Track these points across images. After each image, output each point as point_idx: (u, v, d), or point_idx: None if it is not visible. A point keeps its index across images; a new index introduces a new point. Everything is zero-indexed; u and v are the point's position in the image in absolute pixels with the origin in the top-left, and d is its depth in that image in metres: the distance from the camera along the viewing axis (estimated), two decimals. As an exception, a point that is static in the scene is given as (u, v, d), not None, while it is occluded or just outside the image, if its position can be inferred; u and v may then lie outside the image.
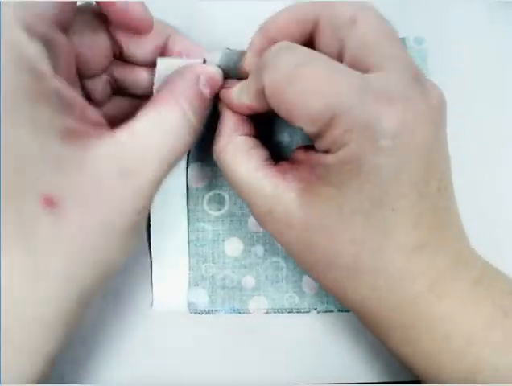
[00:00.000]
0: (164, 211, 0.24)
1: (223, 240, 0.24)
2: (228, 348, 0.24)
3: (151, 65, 0.20)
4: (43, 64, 0.15)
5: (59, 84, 0.16)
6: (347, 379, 0.24)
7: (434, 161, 0.16)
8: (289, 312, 0.24)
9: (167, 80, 0.19)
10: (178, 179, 0.24)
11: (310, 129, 0.17)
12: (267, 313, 0.24)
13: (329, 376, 0.24)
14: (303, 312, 0.24)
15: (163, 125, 0.17)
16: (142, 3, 0.18)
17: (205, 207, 0.24)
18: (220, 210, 0.24)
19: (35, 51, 0.15)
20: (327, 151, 0.17)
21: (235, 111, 0.20)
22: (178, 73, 0.19)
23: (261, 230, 0.24)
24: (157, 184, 0.18)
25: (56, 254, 0.15)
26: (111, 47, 0.20)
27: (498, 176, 0.24)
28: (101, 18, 0.19)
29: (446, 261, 0.17)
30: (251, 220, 0.24)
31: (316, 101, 0.16)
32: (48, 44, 0.16)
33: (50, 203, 0.15)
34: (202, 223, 0.24)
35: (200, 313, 0.24)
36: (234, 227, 0.24)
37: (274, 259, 0.24)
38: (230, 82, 0.20)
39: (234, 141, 0.19)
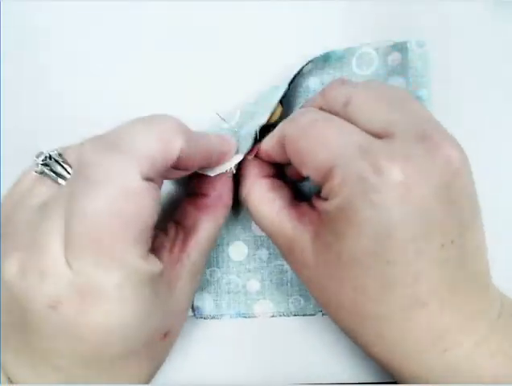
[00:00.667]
0: None
1: (227, 244, 0.24)
2: (228, 348, 0.24)
3: None
4: (145, 198, 0.16)
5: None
6: (349, 379, 0.24)
7: (436, 219, 0.16)
8: (294, 315, 0.24)
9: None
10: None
11: (315, 177, 0.18)
12: (273, 316, 0.24)
13: (330, 377, 0.24)
14: (309, 315, 0.24)
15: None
16: None
17: None
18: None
19: (140, 187, 0.16)
20: (326, 199, 0.18)
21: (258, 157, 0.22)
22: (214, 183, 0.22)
23: (264, 233, 0.24)
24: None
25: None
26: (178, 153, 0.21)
27: (499, 175, 0.24)
28: None
29: (454, 317, 0.17)
30: (254, 224, 0.24)
31: (321, 153, 0.17)
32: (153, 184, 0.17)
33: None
34: None
35: (206, 317, 0.24)
36: (238, 231, 0.24)
37: (279, 262, 0.24)
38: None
39: (259, 183, 0.21)
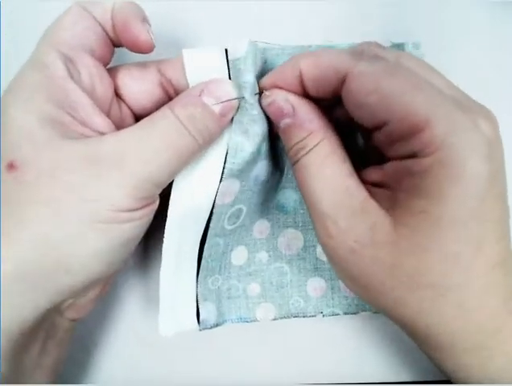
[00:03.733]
0: (180, 224, 0.20)
1: (231, 250, 0.24)
2: (229, 348, 0.24)
3: None
4: (56, 68, 0.18)
5: (70, 86, 0.18)
6: (350, 379, 0.24)
7: (503, 177, 0.17)
8: (295, 317, 0.24)
9: None
10: (205, 200, 0.20)
11: (395, 128, 0.16)
12: (275, 319, 0.24)
13: (331, 377, 0.24)
14: (309, 316, 0.24)
15: (150, 128, 0.18)
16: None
17: (225, 222, 0.22)
18: (235, 223, 0.23)
19: (54, 60, 0.18)
20: (414, 156, 0.16)
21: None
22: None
23: (264, 236, 0.24)
24: (137, 183, 0.17)
25: (8, 212, 0.16)
26: (161, 84, 0.21)
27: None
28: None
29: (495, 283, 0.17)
30: (256, 227, 0.24)
31: (416, 97, 0.16)
32: (71, 61, 0.18)
33: (11, 166, 0.16)
34: (217, 239, 0.22)
35: (210, 327, 0.22)
36: (241, 235, 0.24)
37: (278, 264, 0.24)
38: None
39: (330, 137, 0.18)
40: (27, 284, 0.16)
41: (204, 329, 0.22)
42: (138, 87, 0.21)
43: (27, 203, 0.16)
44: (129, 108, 0.21)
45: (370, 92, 0.17)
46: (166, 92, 0.21)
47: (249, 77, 0.19)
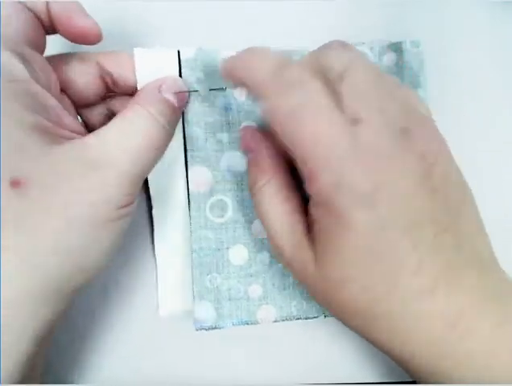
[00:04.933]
0: (166, 216, 0.23)
1: (227, 248, 0.23)
2: (229, 348, 0.24)
3: None
4: (18, 70, 0.17)
5: (35, 87, 0.18)
6: (350, 379, 0.24)
7: (424, 209, 0.17)
8: (297, 319, 0.24)
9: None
10: (177, 182, 0.23)
11: (300, 167, 0.18)
12: (276, 321, 0.23)
13: (331, 377, 0.24)
14: (311, 318, 0.24)
15: (129, 126, 0.19)
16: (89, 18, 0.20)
17: (208, 213, 0.23)
18: (223, 216, 0.23)
19: (10, 60, 0.17)
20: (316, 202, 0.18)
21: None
22: (142, 88, 0.21)
23: (265, 236, 0.24)
24: (129, 179, 0.18)
25: (19, 228, 0.16)
26: (100, 75, 0.21)
27: (500, 177, 0.25)
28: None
29: (465, 301, 0.17)
30: (254, 227, 0.24)
31: (307, 148, 0.17)
32: (25, 59, 0.18)
33: (16, 183, 0.16)
34: (205, 231, 0.23)
35: (207, 329, 0.22)
36: (238, 234, 0.24)
37: (281, 265, 0.24)
38: None
39: (276, 179, 0.20)
40: (49, 293, 0.17)
41: (200, 329, 0.22)
42: (81, 80, 0.21)
43: (38, 217, 0.16)
44: (70, 100, 0.21)
45: (276, 130, 0.18)
46: (105, 83, 0.22)
47: (200, 74, 0.22)
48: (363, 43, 0.24)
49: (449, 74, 0.25)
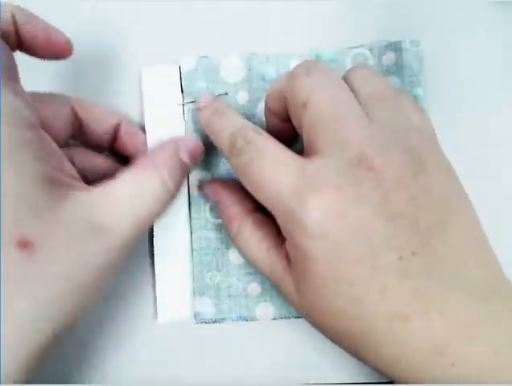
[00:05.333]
0: (167, 219, 0.23)
1: (227, 248, 0.24)
2: (229, 348, 0.24)
3: (106, 145, 0.23)
4: (32, 116, 0.17)
5: (42, 133, 0.17)
6: (350, 379, 0.24)
7: (383, 234, 0.16)
8: (296, 317, 0.24)
9: (149, 151, 0.21)
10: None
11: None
12: (274, 319, 0.24)
13: (331, 376, 0.24)
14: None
15: (140, 189, 0.19)
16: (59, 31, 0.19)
17: (208, 214, 0.24)
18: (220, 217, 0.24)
19: (20, 103, 0.16)
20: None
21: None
22: (159, 144, 0.21)
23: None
24: (130, 243, 0.18)
25: (21, 293, 0.15)
26: (72, 120, 0.21)
27: (498, 177, 0.25)
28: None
29: (452, 326, 0.16)
30: None
31: (260, 194, 0.19)
32: (27, 101, 0.17)
33: (24, 244, 0.15)
34: (205, 231, 0.24)
35: (207, 322, 0.23)
36: None
37: (279, 264, 0.24)
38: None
39: (246, 223, 0.21)
40: (34, 353, 0.16)
41: (201, 322, 0.23)
42: (55, 123, 0.21)
43: (42, 282, 0.16)
44: None
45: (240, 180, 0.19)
46: (73, 129, 0.22)
47: (201, 83, 0.24)
48: (362, 45, 0.24)
49: (449, 74, 0.25)
